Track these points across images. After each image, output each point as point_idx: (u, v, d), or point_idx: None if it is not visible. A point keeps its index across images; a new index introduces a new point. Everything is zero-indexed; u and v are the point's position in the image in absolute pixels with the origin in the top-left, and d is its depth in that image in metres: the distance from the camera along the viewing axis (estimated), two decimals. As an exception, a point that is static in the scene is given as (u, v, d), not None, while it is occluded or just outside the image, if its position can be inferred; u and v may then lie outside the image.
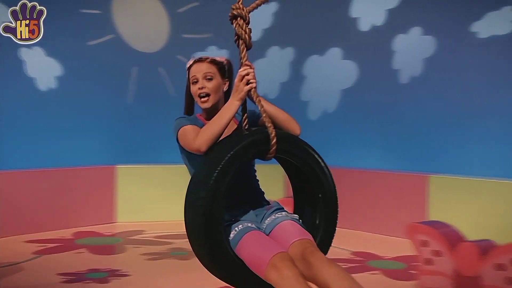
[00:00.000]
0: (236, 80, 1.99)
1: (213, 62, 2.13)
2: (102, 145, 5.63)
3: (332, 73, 5.72)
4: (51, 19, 5.15)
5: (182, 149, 2.08)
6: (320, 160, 2.08)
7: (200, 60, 2.13)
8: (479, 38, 4.57)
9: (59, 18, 5.36)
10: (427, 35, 4.97)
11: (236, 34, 2.00)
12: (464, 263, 2.85)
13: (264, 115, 1.97)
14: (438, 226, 3.08)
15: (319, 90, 5.83)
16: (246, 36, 1.99)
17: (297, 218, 2.09)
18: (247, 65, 1.98)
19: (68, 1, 5.47)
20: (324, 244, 2.06)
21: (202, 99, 2.08)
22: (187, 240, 2.01)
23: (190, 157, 2.08)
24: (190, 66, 2.15)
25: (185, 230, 1.98)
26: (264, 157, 1.98)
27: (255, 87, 1.98)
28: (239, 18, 1.99)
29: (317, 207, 2.08)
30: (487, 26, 4.49)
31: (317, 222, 2.08)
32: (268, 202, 2.18)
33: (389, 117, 5.27)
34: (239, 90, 1.96)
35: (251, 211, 2.08)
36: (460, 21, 4.66)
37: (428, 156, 4.90)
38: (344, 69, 5.63)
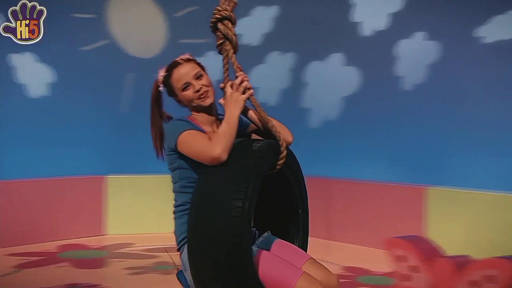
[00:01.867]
0: (228, 90, 1.86)
1: (190, 60, 1.99)
2: (93, 155, 5.46)
3: (333, 79, 5.47)
4: (44, 24, 5.10)
5: (182, 155, 1.85)
6: (302, 173, 2.00)
7: (177, 65, 1.96)
8: (485, 43, 4.27)
9: (52, 23, 5.25)
10: (431, 40, 4.68)
11: (223, 37, 1.88)
12: (440, 280, 2.80)
13: (270, 124, 1.86)
14: (415, 240, 3.04)
15: (320, 98, 5.59)
16: (235, 38, 1.88)
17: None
18: (241, 71, 1.88)
19: (61, 5, 5.34)
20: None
21: (204, 97, 1.92)
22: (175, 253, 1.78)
23: (194, 163, 1.83)
24: (168, 77, 1.95)
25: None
26: (273, 169, 1.85)
27: (252, 94, 1.87)
28: (226, 21, 1.88)
29: (295, 221, 1.99)
30: (493, 31, 4.18)
31: (295, 236, 2.01)
32: None
33: (390, 126, 5.00)
34: (238, 100, 1.84)
35: None
36: (465, 26, 4.38)
37: (427, 168, 4.63)
38: (345, 75, 5.37)
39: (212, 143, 1.76)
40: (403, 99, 4.91)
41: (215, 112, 1.98)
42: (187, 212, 1.79)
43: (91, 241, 4.98)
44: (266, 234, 1.99)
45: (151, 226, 5.26)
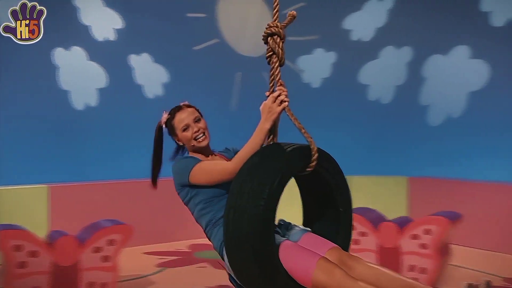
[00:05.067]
0: (268, 101, 2.00)
1: (190, 106, 2.25)
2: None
3: (457, 74, 5.16)
4: (158, 25, 5.14)
5: (192, 186, 2.09)
6: (345, 178, 2.15)
7: (179, 109, 2.23)
8: None
9: (165, 23, 5.23)
10: None
11: (271, 51, 2.02)
12: (386, 238, 3.38)
13: (303, 131, 2.02)
14: (362, 211, 3.46)
15: (441, 93, 5.29)
16: (281, 53, 2.01)
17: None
18: (281, 85, 2.01)
19: (174, 5, 5.30)
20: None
21: (200, 139, 2.17)
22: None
23: (203, 186, 2.09)
24: (171, 119, 2.21)
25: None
26: (303, 171, 2.02)
27: (287, 106, 2.02)
28: (275, 36, 2.02)
29: (337, 220, 2.14)
30: None
31: (336, 233, 2.14)
32: None
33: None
34: (273, 111, 2.00)
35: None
36: None
37: None
38: (472, 69, 5.06)
39: (227, 164, 2.03)
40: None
41: (210, 150, 2.23)
42: (215, 225, 2.06)
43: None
44: (297, 229, 2.14)
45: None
